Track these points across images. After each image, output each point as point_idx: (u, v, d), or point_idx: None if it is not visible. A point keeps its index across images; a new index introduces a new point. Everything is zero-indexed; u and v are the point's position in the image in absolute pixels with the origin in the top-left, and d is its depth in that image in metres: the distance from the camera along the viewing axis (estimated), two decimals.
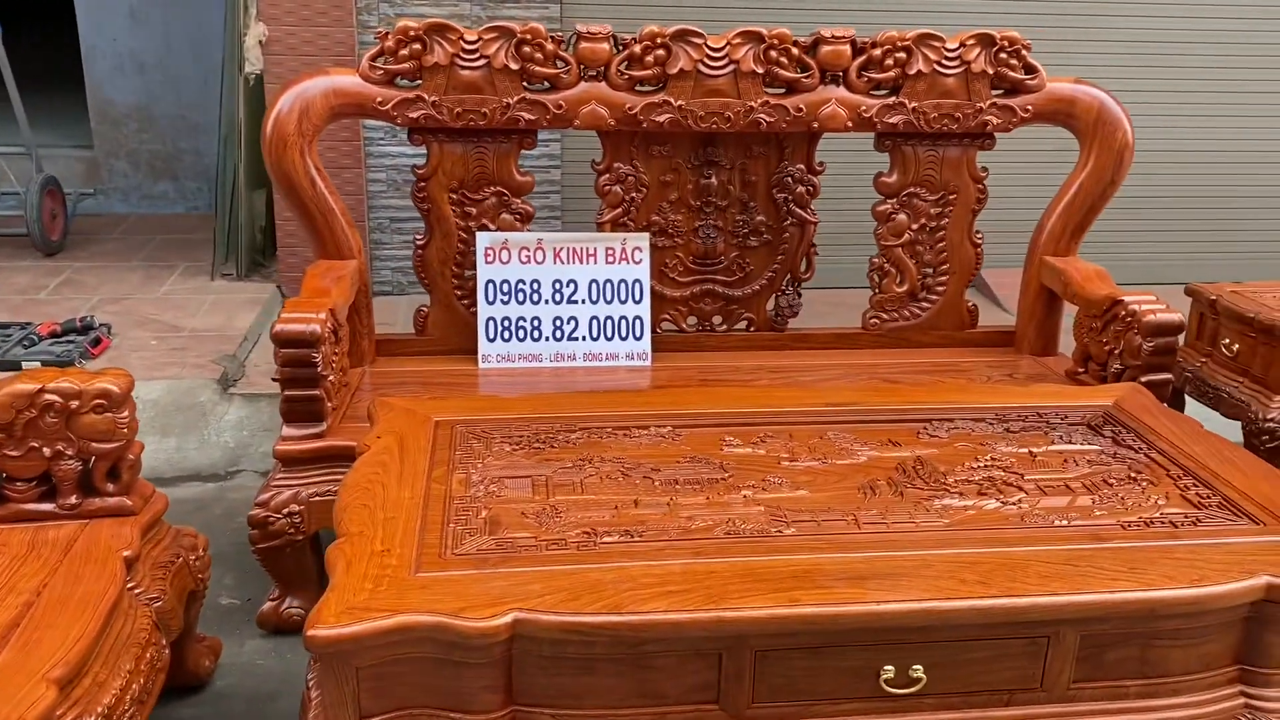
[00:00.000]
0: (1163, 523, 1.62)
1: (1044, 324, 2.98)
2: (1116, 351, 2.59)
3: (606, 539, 1.53)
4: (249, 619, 2.47)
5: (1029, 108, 2.83)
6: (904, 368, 2.86)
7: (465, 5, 4.16)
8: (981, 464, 1.80)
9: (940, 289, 2.98)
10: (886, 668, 1.42)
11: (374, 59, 2.64)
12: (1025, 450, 1.87)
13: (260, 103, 4.23)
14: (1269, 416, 2.66)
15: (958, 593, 1.41)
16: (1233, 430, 2.65)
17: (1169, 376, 2.54)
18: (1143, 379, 2.49)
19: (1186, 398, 2.99)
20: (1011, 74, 2.80)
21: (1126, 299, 2.57)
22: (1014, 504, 1.67)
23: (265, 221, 4.60)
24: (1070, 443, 1.91)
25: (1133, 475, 1.78)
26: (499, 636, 1.33)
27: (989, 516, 1.64)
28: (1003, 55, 2.79)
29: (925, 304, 2.99)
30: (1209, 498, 1.70)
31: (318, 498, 2.32)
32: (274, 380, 2.31)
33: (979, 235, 2.98)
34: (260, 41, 4.11)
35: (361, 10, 4.16)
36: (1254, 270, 5.12)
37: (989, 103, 2.81)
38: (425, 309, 2.87)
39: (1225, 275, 5.08)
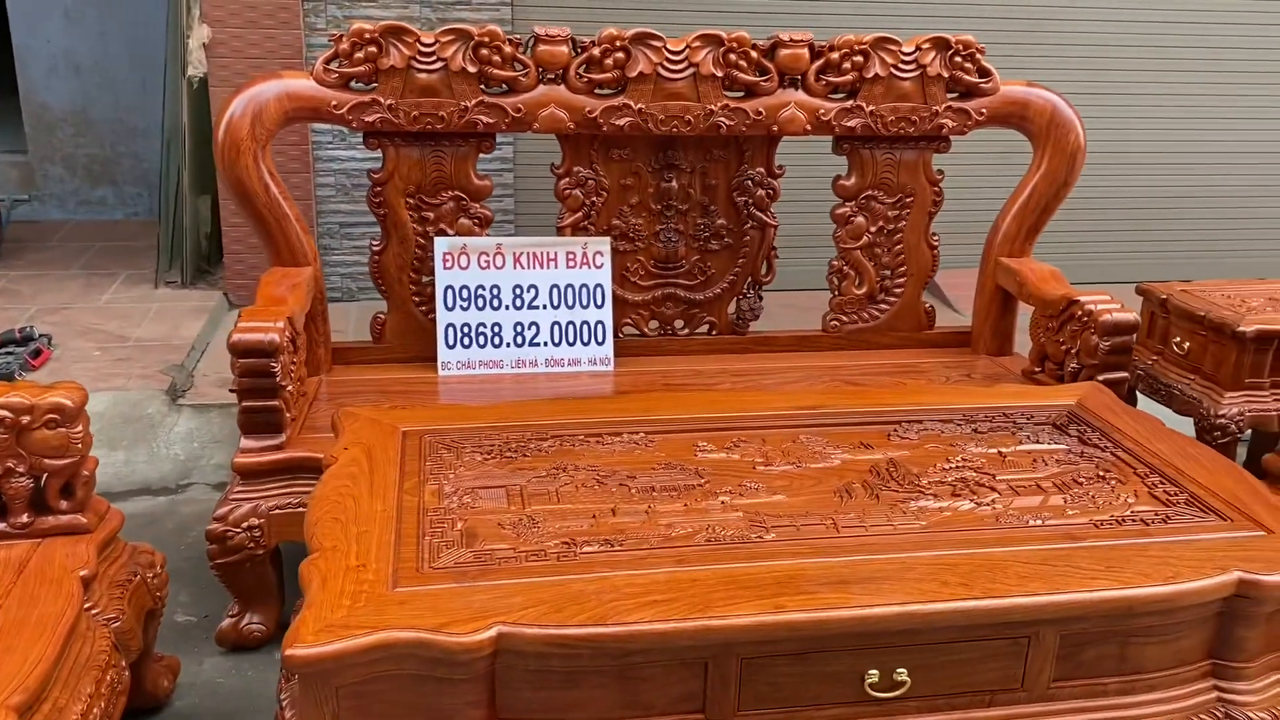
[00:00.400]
0: (1134, 521, 1.64)
1: (999, 324, 3.02)
2: (1073, 351, 2.62)
3: (587, 549, 1.51)
4: (207, 636, 2.40)
5: (983, 111, 2.87)
6: (865, 369, 2.88)
7: (415, 7, 4.11)
8: (953, 465, 1.81)
9: (898, 291, 3.01)
10: (871, 672, 1.42)
11: (328, 61, 2.59)
12: (995, 451, 1.88)
13: (204, 106, 4.13)
14: (1220, 413, 2.72)
15: (940, 595, 1.41)
16: (1185, 427, 2.69)
17: (1125, 375, 2.58)
18: (1100, 378, 2.53)
19: (1138, 395, 3.04)
20: (966, 78, 2.84)
21: (1082, 299, 2.61)
22: (988, 505, 1.68)
23: (210, 227, 4.50)
24: (1038, 442, 1.92)
25: (1101, 474, 1.80)
26: (483, 651, 1.30)
27: (965, 518, 1.64)
28: (958, 59, 2.82)
29: (884, 306, 3.01)
30: (1176, 495, 1.73)
31: (278, 511, 2.27)
32: (231, 391, 2.25)
33: (935, 237, 3.00)
34: (204, 44, 4.02)
35: (308, 12, 4.08)
36: (1199, 269, 5.24)
37: (944, 106, 2.84)
38: (382, 316, 2.82)
39: (1171, 274, 5.20)
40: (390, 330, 2.82)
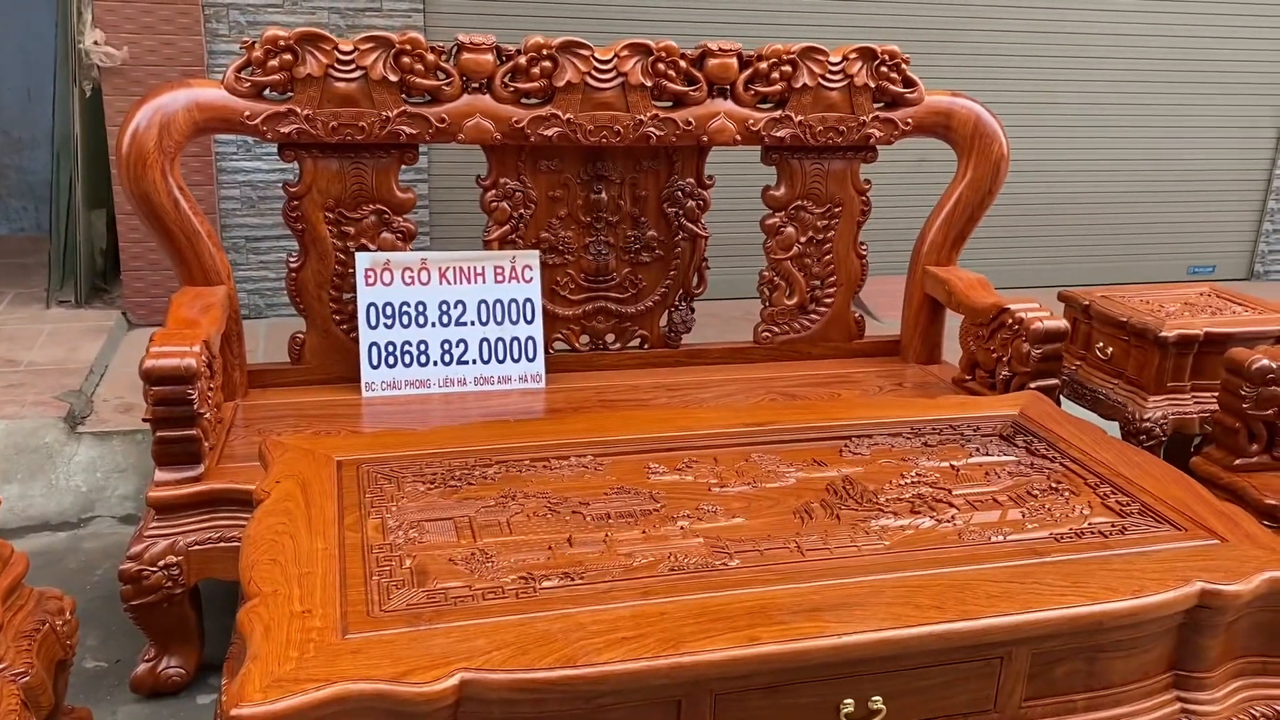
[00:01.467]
0: (1093, 533, 1.64)
1: (928, 333, 3.03)
2: (1005, 359, 2.64)
3: (546, 584, 1.44)
4: (120, 683, 2.25)
5: (909, 121, 2.87)
6: (798, 380, 2.86)
7: (323, 14, 3.96)
8: (908, 480, 1.79)
9: (829, 301, 3.00)
10: (846, 701, 1.38)
11: (240, 70, 2.46)
12: (947, 464, 1.87)
13: (98, 116, 3.92)
14: (1145, 416, 2.77)
15: (915, 619, 1.38)
16: (1110, 430, 2.74)
17: (1056, 381, 2.61)
18: (1033, 385, 2.56)
19: (1063, 400, 3.08)
20: (892, 87, 2.84)
21: (1013, 307, 2.63)
22: (949, 521, 1.66)
23: (106, 243, 4.27)
24: (988, 454, 1.92)
25: (1054, 486, 1.80)
26: (445, 701, 1.22)
27: (927, 536, 1.62)
28: (883, 69, 2.83)
29: (815, 316, 3.00)
30: (1129, 505, 1.73)
31: (197, 547, 2.14)
32: (145, 421, 2.11)
33: (864, 247, 3.00)
34: (98, 50, 3.80)
35: (210, 17, 3.91)
36: (1110, 272, 5.40)
37: (871, 116, 2.84)
38: (301, 336, 2.69)
39: (1086, 277, 5.36)
40: (310, 351, 2.69)
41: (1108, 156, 5.32)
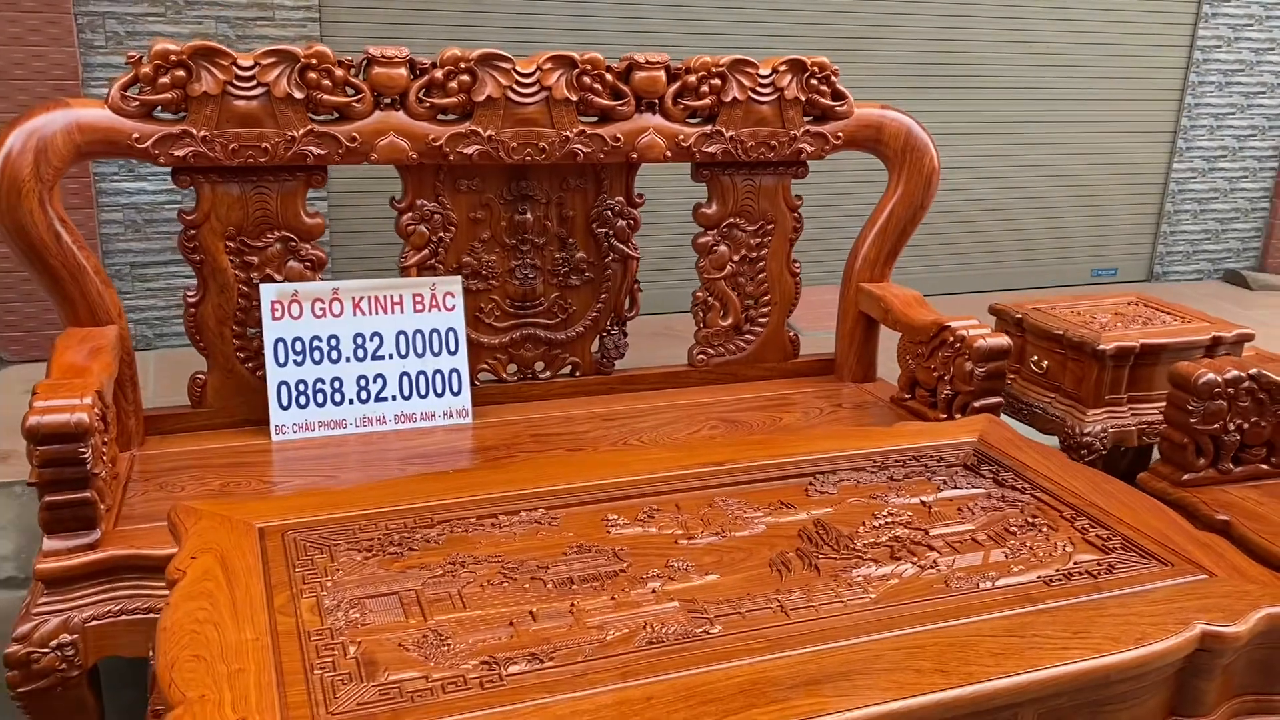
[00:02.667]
0: (1081, 574, 1.56)
1: (863, 351, 2.96)
2: (947, 377, 2.58)
3: (513, 668, 1.28)
4: None
5: (840, 135, 2.80)
6: (738, 405, 2.75)
7: (210, 23, 3.70)
8: (881, 522, 1.69)
9: (763, 320, 2.90)
10: None
11: (126, 87, 2.24)
12: (917, 501, 1.77)
13: None
14: (1086, 431, 2.74)
15: (919, 686, 1.27)
16: (1049, 445, 2.71)
17: (1000, 400, 2.55)
18: (976, 403, 2.50)
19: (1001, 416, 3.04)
20: (822, 100, 2.76)
21: (953, 325, 2.57)
22: (932, 567, 1.56)
23: None
24: (956, 487, 1.83)
25: (1030, 521, 1.72)
26: None
27: (913, 585, 1.51)
28: (813, 81, 2.74)
29: (750, 336, 2.90)
30: (1110, 539, 1.66)
31: (95, 622, 1.91)
32: (29, 485, 1.87)
33: (797, 265, 2.92)
34: None
35: (84, 28, 3.61)
36: (1017, 277, 5.46)
37: (803, 130, 2.75)
38: (201, 376, 2.47)
39: (993, 283, 5.41)
40: (212, 392, 2.47)
41: (1013, 165, 5.39)
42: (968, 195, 5.32)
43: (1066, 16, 5.24)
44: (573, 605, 1.43)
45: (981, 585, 1.52)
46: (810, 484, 1.82)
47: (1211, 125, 5.70)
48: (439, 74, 2.42)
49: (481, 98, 2.44)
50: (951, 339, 2.56)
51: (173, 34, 3.61)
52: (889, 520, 1.70)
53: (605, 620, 1.39)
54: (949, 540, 1.64)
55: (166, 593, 1.93)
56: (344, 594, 1.43)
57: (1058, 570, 1.57)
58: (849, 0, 4.87)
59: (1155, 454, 3.26)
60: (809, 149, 2.77)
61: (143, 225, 3.83)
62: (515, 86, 2.46)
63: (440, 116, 2.45)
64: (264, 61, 2.29)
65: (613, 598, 1.45)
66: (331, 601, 1.41)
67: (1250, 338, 2.88)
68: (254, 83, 2.29)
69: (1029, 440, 2.06)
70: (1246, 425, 2.35)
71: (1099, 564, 1.59)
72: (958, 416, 2.53)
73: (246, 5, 3.69)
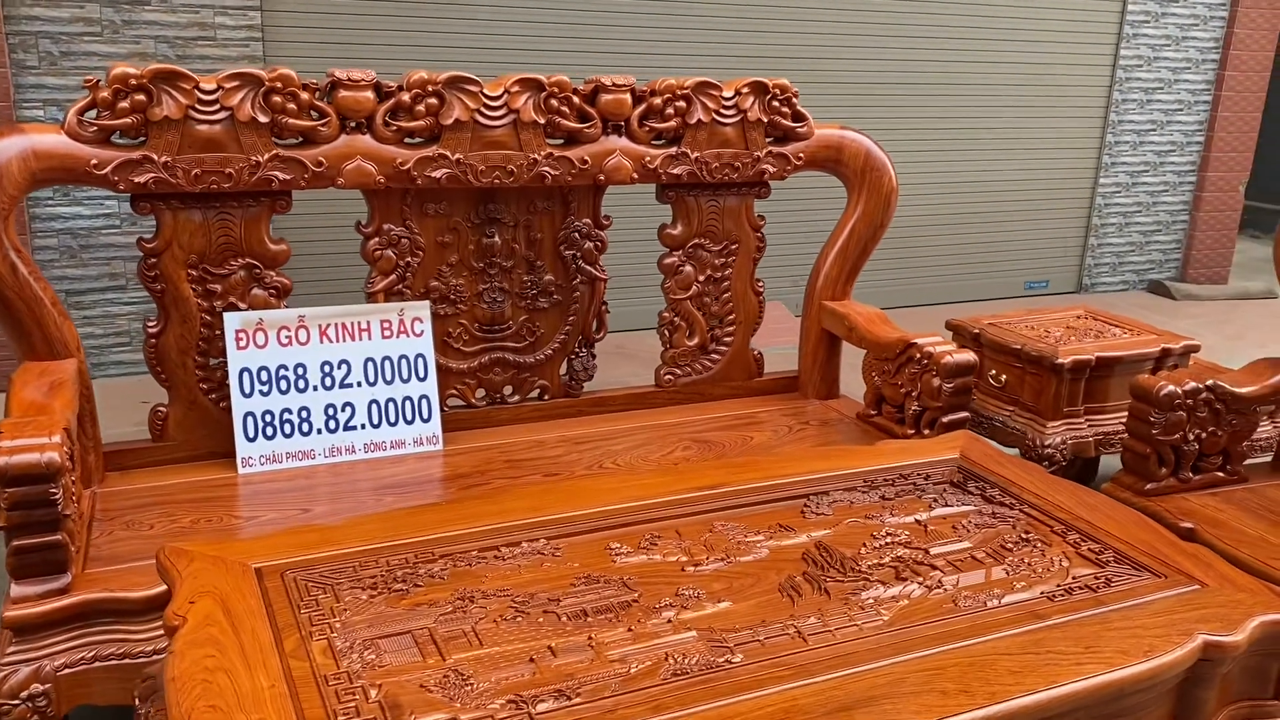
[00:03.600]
0: (1081, 588, 1.59)
1: (826, 368, 2.99)
2: (914, 394, 2.62)
3: (541, 706, 1.26)
4: None
5: (801, 155, 2.83)
6: (708, 425, 2.76)
7: (149, 43, 3.60)
8: (882, 542, 1.70)
9: (728, 339, 2.91)
10: None
11: (83, 112, 2.16)
12: (912, 519, 1.79)
13: None
14: (1046, 443, 2.81)
15: (947, 708, 1.28)
16: None
17: (968, 415, 2.60)
18: (945, 419, 2.54)
19: None
20: (783, 122, 2.79)
21: (920, 342, 2.61)
22: (938, 587, 1.58)
23: None
24: (947, 505, 1.85)
25: (1024, 536, 1.75)
26: None
27: (923, 606, 1.53)
28: (775, 103, 2.77)
29: (715, 355, 2.91)
30: (1102, 553, 1.70)
31: (68, 670, 1.82)
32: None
33: (760, 284, 2.94)
34: None
35: (16, 47, 3.48)
36: (954, 290, 5.57)
37: (765, 151, 2.78)
38: (163, 409, 2.39)
39: (931, 295, 5.51)
40: (174, 425, 2.39)
41: (947, 183, 5.52)
42: (904, 212, 5.40)
43: (999, 41, 5.39)
44: (590, 638, 1.41)
45: (989, 603, 1.54)
46: (805, 505, 1.82)
47: (1134, 141, 5.91)
48: (406, 97, 2.39)
49: (449, 121, 2.41)
50: (918, 355, 2.60)
51: (109, 54, 3.50)
52: (889, 540, 1.71)
53: (626, 653, 1.38)
54: (950, 559, 1.67)
55: (143, 636, 1.88)
56: (355, 635, 1.39)
57: (1058, 585, 1.60)
58: (782, 23, 4.94)
59: (1102, 464, 3.37)
60: (771, 169, 2.80)
61: (79, 251, 3.70)
62: (483, 109, 2.44)
63: (407, 140, 2.42)
64: (227, 85, 2.23)
65: (629, 629, 1.44)
66: (344, 643, 1.37)
67: (1196, 349, 2.98)
68: (217, 106, 2.23)
69: (1008, 455, 2.10)
70: (1204, 435, 2.43)
71: (1096, 578, 1.62)
72: (926, 432, 2.57)
73: (186, 25, 3.59)
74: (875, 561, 1.65)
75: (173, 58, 3.61)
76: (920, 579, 1.60)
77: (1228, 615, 1.52)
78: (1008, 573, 1.63)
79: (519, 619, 1.45)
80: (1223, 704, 1.56)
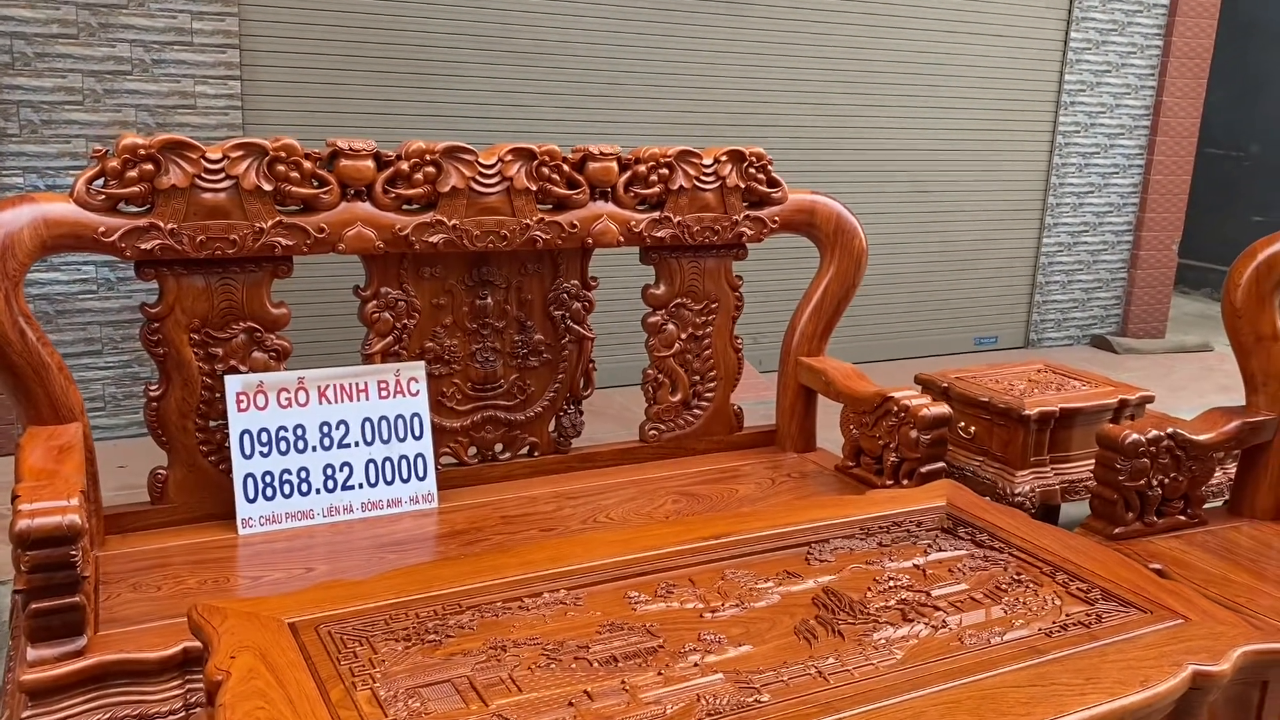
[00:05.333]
0: (1076, 625, 1.69)
1: (804, 422, 3.10)
2: (892, 445, 2.73)
3: None
4: None
5: (776, 219, 2.96)
6: (693, 478, 2.84)
7: (130, 111, 3.65)
8: (886, 586, 1.79)
9: (710, 395, 3.01)
10: None
11: (92, 181, 2.21)
12: (911, 564, 1.89)
13: None
14: (1016, 491, 2.93)
15: None
16: None
17: (944, 465, 2.71)
18: (922, 469, 2.65)
19: None
20: (759, 187, 2.92)
21: (896, 395, 2.73)
22: (943, 626, 1.67)
23: None
24: (942, 550, 1.95)
25: (1016, 578, 1.85)
26: None
27: (932, 645, 1.61)
28: (751, 170, 2.90)
29: (698, 411, 3.00)
30: (1090, 591, 1.80)
31: None
32: (17, 591, 1.80)
33: (739, 340, 3.04)
34: None
35: None
36: (907, 346, 5.74)
37: (743, 215, 2.91)
38: (162, 472, 2.41)
39: (886, 352, 5.68)
40: (174, 488, 2.41)
41: (900, 244, 5.72)
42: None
43: (950, 111, 5.67)
44: (623, 683, 1.47)
45: (992, 640, 1.63)
46: (809, 553, 1.91)
47: (1074, 203, 6.18)
48: (405, 166, 2.47)
49: (446, 188, 2.50)
50: (895, 409, 2.71)
51: (91, 122, 3.55)
52: (891, 584, 1.80)
53: (659, 695, 1.44)
54: (951, 600, 1.76)
55: (159, 697, 1.90)
56: (398, 684, 1.44)
57: (1054, 622, 1.69)
58: (756, 94, 5.14)
59: (1062, 513, 3.50)
60: (749, 232, 2.92)
61: (54, 317, 3.70)
62: (478, 177, 2.54)
63: (405, 206, 2.50)
64: (233, 154, 2.30)
65: (659, 673, 1.50)
66: (387, 693, 1.42)
67: (1151, 399, 3.14)
68: (222, 175, 2.30)
69: (991, 502, 2.20)
70: (1167, 480, 2.57)
71: (1088, 614, 1.72)
72: (905, 482, 2.67)
73: (168, 94, 3.65)
74: (882, 604, 1.73)
75: (153, 126, 3.67)
76: (926, 619, 1.69)
77: (1212, 646, 1.62)
78: (1005, 611, 1.73)
79: (552, 666, 1.51)
80: None
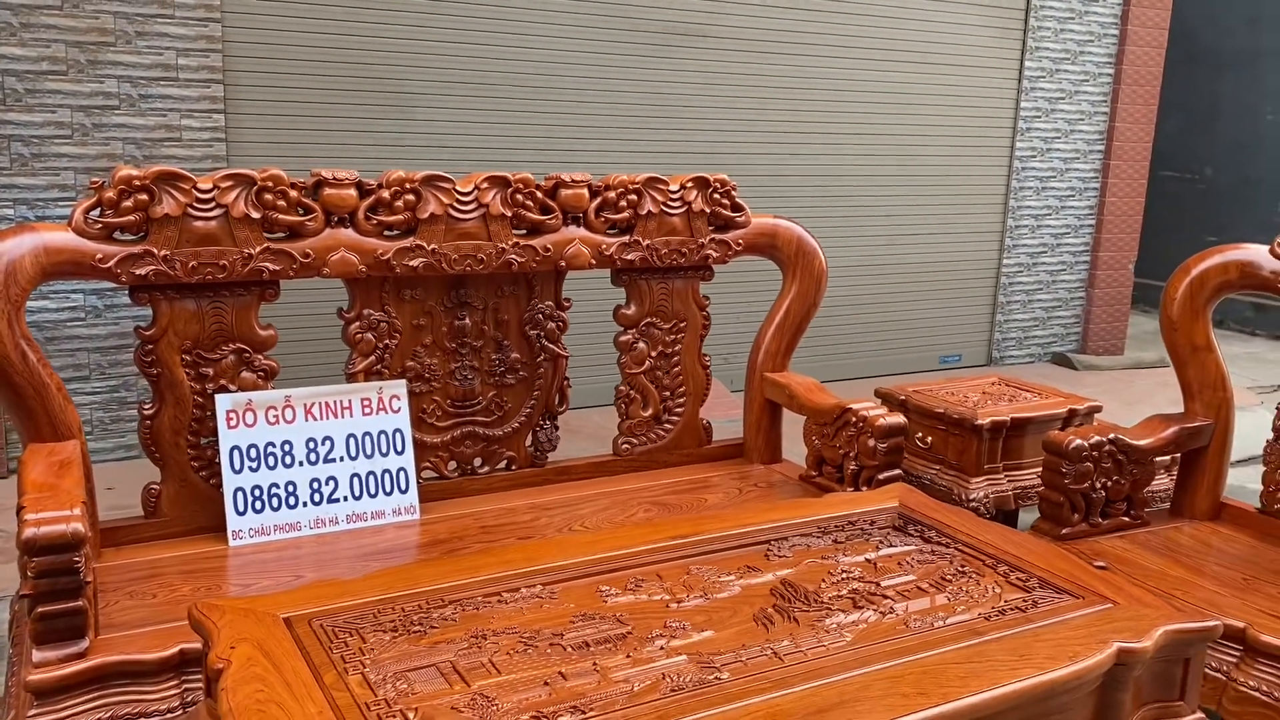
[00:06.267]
0: (1013, 610, 1.83)
1: (770, 434, 3.24)
2: (852, 454, 2.87)
3: None
4: None
5: (740, 242, 3.11)
6: (664, 489, 2.97)
7: (118, 144, 3.77)
8: (838, 578, 1.93)
9: (679, 410, 3.15)
10: None
11: (89, 210, 2.34)
12: (863, 559, 2.02)
13: None
14: (971, 497, 3.08)
15: (909, 707, 1.50)
16: None
17: (900, 471, 2.86)
18: (880, 475, 2.80)
19: None
20: (724, 212, 3.07)
21: (855, 407, 2.87)
22: (890, 612, 1.81)
23: None
24: (892, 546, 2.09)
25: (961, 570, 1.99)
26: None
27: (879, 629, 1.75)
28: (716, 195, 3.06)
29: (668, 425, 3.14)
30: (1028, 580, 1.95)
31: None
32: (23, 596, 1.91)
33: (706, 358, 3.19)
34: None
35: None
36: (873, 365, 5.91)
37: (709, 238, 3.06)
38: (155, 487, 2.52)
39: (853, 370, 5.84)
40: (167, 502, 2.52)
41: (865, 265, 5.90)
42: (829, 292, 5.73)
43: (911, 136, 5.88)
44: (595, 664, 1.60)
45: (935, 624, 1.77)
46: (768, 549, 2.05)
47: (1032, 225, 6.39)
48: (386, 194, 2.61)
49: (425, 215, 2.64)
50: (854, 419, 2.86)
51: (79, 155, 3.67)
52: (844, 576, 1.94)
53: (628, 675, 1.57)
54: (899, 589, 1.90)
55: (157, 696, 2.01)
56: (386, 669, 1.56)
57: (993, 608, 1.84)
58: (720, 122, 5.32)
59: (1020, 519, 3.66)
60: (714, 255, 3.07)
61: (44, 344, 3.80)
62: (456, 204, 2.68)
63: (386, 232, 2.64)
64: (223, 184, 2.43)
65: (628, 655, 1.63)
66: (377, 676, 1.54)
67: (1099, 409, 3.30)
68: (213, 204, 2.42)
69: (940, 503, 2.35)
70: (1110, 483, 2.72)
71: (1024, 600, 1.87)
72: (864, 489, 2.81)
73: (154, 127, 3.78)
74: (835, 594, 1.87)
75: (140, 158, 3.79)
76: (875, 607, 1.83)
77: (1136, 626, 1.77)
78: (949, 599, 1.87)
79: (529, 651, 1.63)
80: (1137, 706, 1.80)
